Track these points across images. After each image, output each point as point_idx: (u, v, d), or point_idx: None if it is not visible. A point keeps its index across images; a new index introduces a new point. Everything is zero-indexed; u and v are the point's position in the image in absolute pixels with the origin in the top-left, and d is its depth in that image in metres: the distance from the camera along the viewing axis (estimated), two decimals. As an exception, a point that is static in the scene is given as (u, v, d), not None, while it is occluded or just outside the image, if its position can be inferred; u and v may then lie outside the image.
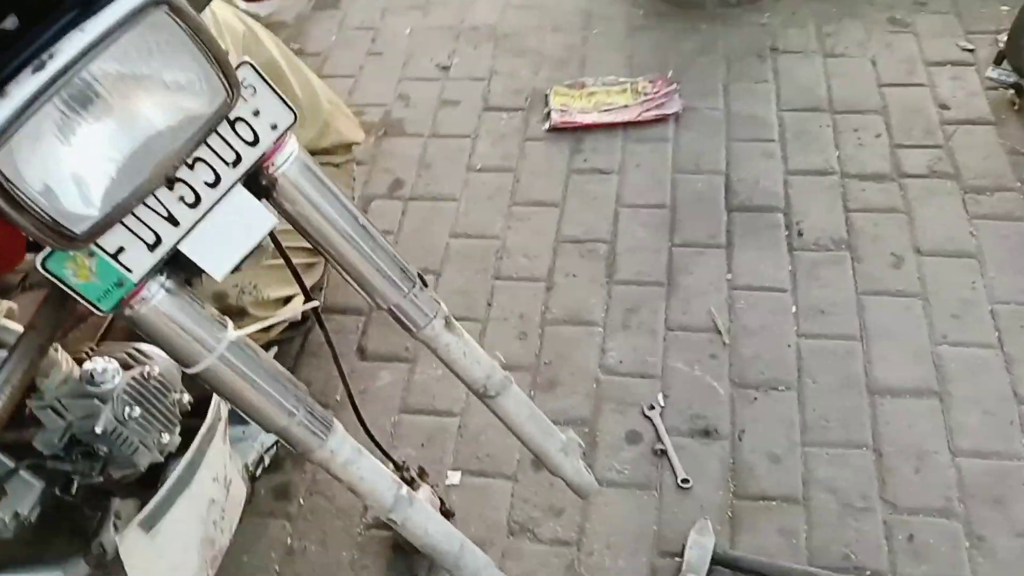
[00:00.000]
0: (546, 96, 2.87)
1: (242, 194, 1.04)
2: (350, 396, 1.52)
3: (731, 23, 3.05)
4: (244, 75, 1.00)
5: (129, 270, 0.97)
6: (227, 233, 1.04)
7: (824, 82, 2.81)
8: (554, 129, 2.77)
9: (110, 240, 0.94)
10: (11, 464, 1.42)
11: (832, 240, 2.37)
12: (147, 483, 1.59)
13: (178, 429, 1.59)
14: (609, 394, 2.11)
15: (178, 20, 0.87)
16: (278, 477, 2.04)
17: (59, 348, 1.52)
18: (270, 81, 1.02)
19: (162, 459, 1.55)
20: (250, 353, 1.13)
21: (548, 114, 2.81)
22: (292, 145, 1.08)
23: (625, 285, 2.34)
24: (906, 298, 2.22)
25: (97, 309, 0.97)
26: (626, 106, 2.80)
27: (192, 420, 1.62)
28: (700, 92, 2.82)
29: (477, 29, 3.20)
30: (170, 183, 0.96)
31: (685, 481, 1.92)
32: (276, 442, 2.10)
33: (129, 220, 0.95)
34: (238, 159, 1.02)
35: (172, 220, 0.99)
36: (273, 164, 1.07)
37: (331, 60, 3.16)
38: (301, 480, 2.05)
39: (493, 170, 2.69)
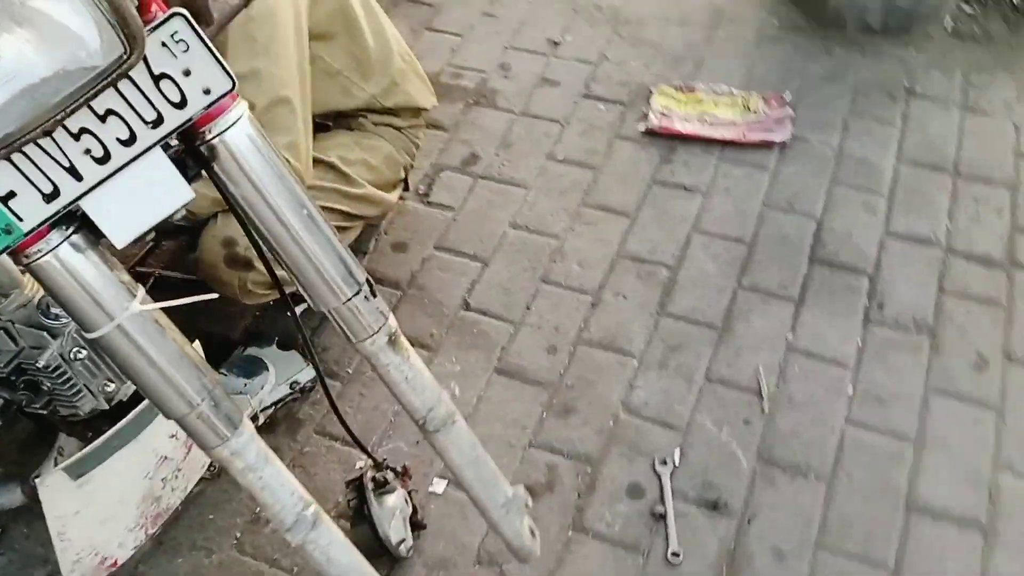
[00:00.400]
0: (649, 93, 2.66)
1: (160, 159, 0.92)
2: (323, 386, 1.37)
3: (869, 52, 2.74)
4: (175, 28, 0.87)
5: (20, 218, 0.88)
6: (136, 198, 0.93)
7: (956, 139, 2.49)
8: (649, 132, 2.56)
9: (-1, 182, 0.84)
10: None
11: (914, 321, 2.09)
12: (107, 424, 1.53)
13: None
14: (624, 436, 1.92)
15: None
16: (268, 440, 1.93)
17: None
18: (208, 40, 0.88)
19: (107, 406, 1.49)
20: (157, 329, 1.01)
21: (647, 114, 2.60)
22: (238, 111, 0.95)
23: (675, 319, 2.13)
24: (979, 408, 1.93)
25: (-22, 253, 0.88)
26: (732, 122, 2.56)
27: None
28: (815, 122, 2.55)
29: (600, 8, 2.99)
30: (49, 136, 0.84)
31: (675, 555, 1.72)
32: (276, 403, 2.02)
33: (23, 164, 0.86)
34: (159, 120, 0.90)
35: (74, 173, 0.89)
36: (210, 130, 0.94)
37: (443, 14, 3.02)
38: (288, 447, 1.96)
39: (574, 163, 2.51)
